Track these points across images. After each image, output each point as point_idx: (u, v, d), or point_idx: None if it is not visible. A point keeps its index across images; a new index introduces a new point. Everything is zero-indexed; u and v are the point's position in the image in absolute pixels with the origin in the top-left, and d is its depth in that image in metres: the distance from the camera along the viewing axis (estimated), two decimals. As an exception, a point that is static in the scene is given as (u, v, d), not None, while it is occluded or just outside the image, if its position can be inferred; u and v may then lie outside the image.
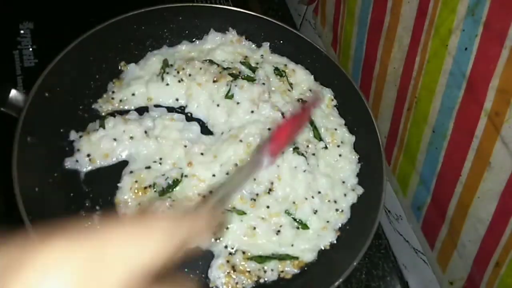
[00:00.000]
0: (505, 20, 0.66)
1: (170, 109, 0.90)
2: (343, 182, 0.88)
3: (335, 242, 0.82)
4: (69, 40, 0.83)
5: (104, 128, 0.81)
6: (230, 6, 1.02)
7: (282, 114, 0.89)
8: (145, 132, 0.83)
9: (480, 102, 0.72)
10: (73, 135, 0.82)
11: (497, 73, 0.69)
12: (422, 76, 0.86)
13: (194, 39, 1.00)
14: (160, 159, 0.82)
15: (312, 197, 0.83)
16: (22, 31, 1.16)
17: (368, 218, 0.80)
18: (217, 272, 0.76)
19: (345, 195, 0.86)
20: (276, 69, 0.97)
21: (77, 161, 0.80)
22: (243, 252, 0.78)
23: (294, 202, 0.82)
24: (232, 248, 0.78)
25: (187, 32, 0.99)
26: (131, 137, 0.82)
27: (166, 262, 0.31)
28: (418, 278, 1.00)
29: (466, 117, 0.77)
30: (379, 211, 0.79)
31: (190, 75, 0.90)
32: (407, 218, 0.99)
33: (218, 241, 0.78)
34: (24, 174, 0.69)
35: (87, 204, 0.78)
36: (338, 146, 0.91)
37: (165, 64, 0.92)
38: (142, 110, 0.89)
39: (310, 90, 0.96)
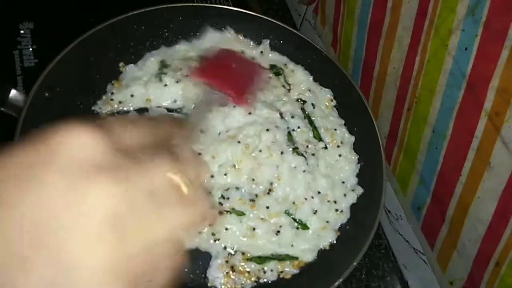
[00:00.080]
0: (505, 20, 0.66)
1: (170, 110, 0.90)
2: (343, 182, 0.88)
3: (335, 242, 0.82)
4: (69, 40, 0.83)
5: None
6: (230, 6, 1.02)
7: (281, 114, 0.89)
8: None
9: (480, 102, 0.72)
10: None
11: (497, 73, 0.69)
12: (422, 76, 0.86)
13: (193, 39, 0.99)
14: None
15: (312, 197, 0.83)
16: (22, 31, 1.16)
17: (368, 218, 0.80)
18: (216, 272, 0.76)
19: (344, 195, 0.86)
20: (274, 66, 0.96)
21: None
22: (243, 253, 0.78)
23: (294, 203, 0.82)
24: (232, 249, 0.78)
25: (186, 32, 0.99)
26: None
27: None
28: (418, 278, 1.00)
29: (466, 117, 0.77)
30: (379, 211, 0.79)
31: (187, 75, 0.89)
32: (407, 218, 0.99)
33: (217, 242, 0.78)
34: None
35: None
36: (338, 146, 0.91)
37: (163, 65, 0.92)
38: (142, 111, 0.89)
39: (310, 90, 0.96)
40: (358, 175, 0.89)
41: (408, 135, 0.94)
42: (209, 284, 0.75)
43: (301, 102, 0.94)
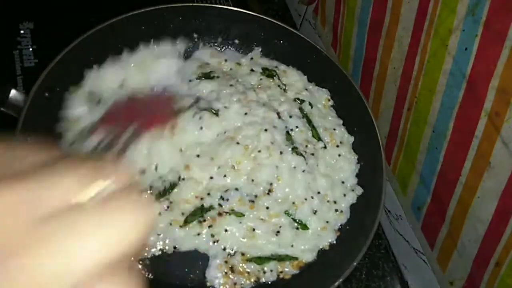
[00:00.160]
0: (505, 20, 0.66)
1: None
2: (343, 182, 0.88)
3: (334, 242, 0.82)
4: (69, 40, 0.83)
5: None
6: (230, 6, 1.02)
7: (278, 114, 0.89)
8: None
9: (480, 102, 0.72)
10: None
11: (497, 73, 0.69)
12: (422, 76, 0.86)
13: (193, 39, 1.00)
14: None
15: (312, 197, 0.83)
16: (22, 31, 1.16)
17: (368, 218, 0.80)
18: (215, 272, 0.76)
19: (344, 195, 0.86)
20: (266, 69, 0.96)
21: None
22: (242, 254, 0.78)
23: (293, 203, 0.82)
24: (231, 250, 0.78)
25: (187, 32, 0.99)
26: None
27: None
28: (418, 278, 1.00)
29: (466, 117, 0.77)
30: (379, 211, 0.79)
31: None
32: (407, 218, 0.99)
33: (216, 243, 0.78)
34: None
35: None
36: (337, 146, 0.91)
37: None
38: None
39: (306, 89, 0.96)
40: (358, 175, 0.89)
41: (408, 135, 0.94)
42: (208, 284, 0.75)
43: (299, 101, 0.94)
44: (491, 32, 0.69)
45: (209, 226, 0.78)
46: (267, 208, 0.81)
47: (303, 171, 0.84)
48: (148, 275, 0.75)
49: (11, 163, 0.25)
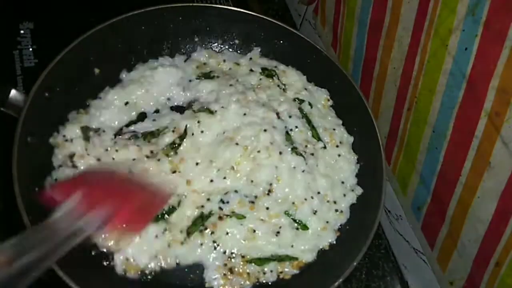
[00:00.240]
0: (505, 20, 0.66)
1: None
2: (342, 182, 0.88)
3: (334, 242, 0.82)
4: (69, 40, 0.83)
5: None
6: (230, 6, 1.02)
7: (277, 114, 0.89)
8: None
9: (480, 102, 0.72)
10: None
11: (497, 73, 0.69)
12: (422, 76, 0.86)
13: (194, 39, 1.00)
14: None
15: (312, 197, 0.83)
16: (22, 31, 1.16)
17: (368, 218, 0.79)
18: (213, 274, 0.75)
19: (344, 195, 0.86)
20: (265, 69, 0.97)
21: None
22: (242, 256, 0.77)
23: (293, 203, 0.82)
24: (232, 253, 0.77)
25: (186, 32, 0.99)
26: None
27: None
28: (418, 278, 1.00)
29: (466, 117, 0.77)
30: (379, 211, 0.79)
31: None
32: (407, 218, 0.99)
33: (216, 249, 0.77)
34: (24, 174, 0.69)
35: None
36: (337, 146, 0.91)
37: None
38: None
39: (306, 89, 0.96)
40: (357, 175, 0.89)
41: (408, 135, 0.94)
42: (206, 285, 0.75)
43: (299, 101, 0.94)
44: (491, 32, 0.69)
45: (211, 233, 0.77)
46: (267, 208, 0.81)
47: (303, 171, 0.84)
48: (148, 275, 0.75)
49: None
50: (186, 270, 0.77)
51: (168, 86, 0.91)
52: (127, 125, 0.86)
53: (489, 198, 0.75)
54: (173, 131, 0.84)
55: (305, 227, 0.81)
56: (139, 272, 0.74)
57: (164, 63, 0.94)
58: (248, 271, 0.77)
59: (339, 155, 0.90)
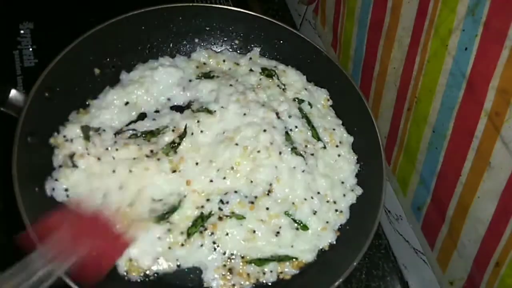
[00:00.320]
0: (505, 20, 0.66)
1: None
2: (342, 182, 0.88)
3: (334, 242, 0.82)
4: (69, 40, 0.83)
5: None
6: (230, 6, 1.02)
7: (277, 114, 0.89)
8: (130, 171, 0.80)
9: (480, 102, 0.72)
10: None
11: (497, 73, 0.69)
12: (422, 76, 0.86)
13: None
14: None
15: (312, 197, 0.83)
16: (22, 31, 1.16)
17: (368, 218, 0.80)
18: (212, 275, 0.75)
19: (344, 195, 0.86)
20: (265, 69, 0.97)
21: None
22: (242, 257, 0.77)
23: (293, 203, 0.82)
24: (231, 254, 0.77)
25: (186, 32, 0.99)
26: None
27: None
28: (418, 278, 1.00)
29: (466, 117, 0.77)
30: (379, 211, 0.79)
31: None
32: (407, 218, 0.99)
33: (215, 250, 0.77)
34: (24, 174, 0.69)
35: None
36: (337, 146, 0.91)
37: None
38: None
39: (306, 89, 0.96)
40: (357, 175, 0.89)
41: (408, 135, 0.94)
42: (205, 285, 0.75)
43: (298, 101, 0.94)
44: (491, 32, 0.69)
45: (211, 234, 0.77)
46: (267, 209, 0.80)
47: (303, 171, 0.84)
48: (150, 276, 0.75)
49: None
50: (186, 270, 0.77)
51: (168, 86, 0.91)
52: (127, 125, 0.86)
53: (489, 198, 0.75)
54: (173, 130, 0.84)
55: (305, 227, 0.81)
56: (141, 274, 0.74)
57: (164, 63, 0.94)
58: (247, 271, 0.77)
59: (339, 155, 0.90)
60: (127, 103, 0.87)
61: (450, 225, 0.85)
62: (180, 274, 0.76)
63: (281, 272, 0.78)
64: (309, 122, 0.92)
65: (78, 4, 1.22)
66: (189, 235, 0.76)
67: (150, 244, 0.74)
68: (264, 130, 0.85)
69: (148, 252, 0.74)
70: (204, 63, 0.97)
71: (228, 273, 0.76)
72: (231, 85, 0.91)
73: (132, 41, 0.94)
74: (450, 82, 0.79)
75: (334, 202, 0.85)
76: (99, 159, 0.79)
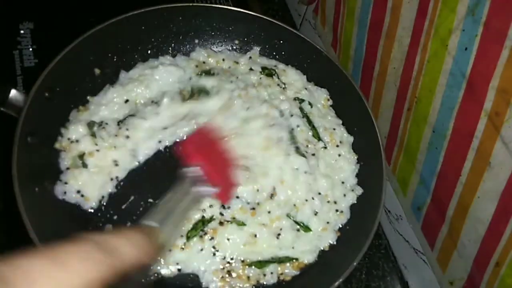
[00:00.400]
0: (505, 20, 0.66)
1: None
2: (343, 182, 0.87)
3: (335, 243, 0.82)
4: (69, 40, 0.83)
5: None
6: (230, 6, 1.02)
7: (280, 111, 0.89)
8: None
9: (480, 102, 0.72)
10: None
11: (497, 73, 0.69)
12: (422, 76, 0.86)
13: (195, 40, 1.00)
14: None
15: (313, 198, 0.82)
16: (22, 31, 1.16)
17: (368, 218, 0.79)
18: (210, 277, 0.75)
19: (344, 195, 0.86)
20: (265, 68, 0.97)
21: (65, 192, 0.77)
22: (242, 260, 0.77)
23: (294, 205, 0.82)
24: (231, 258, 0.77)
25: (186, 32, 0.99)
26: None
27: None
28: (418, 278, 1.00)
29: (466, 117, 0.77)
30: (379, 211, 0.79)
31: None
32: (407, 218, 0.99)
33: (215, 254, 0.76)
34: (24, 174, 0.69)
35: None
36: (337, 146, 0.91)
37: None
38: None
39: (306, 89, 0.96)
40: (358, 175, 0.89)
41: (408, 135, 0.94)
42: (203, 285, 0.75)
43: (299, 101, 0.94)
44: (491, 32, 0.69)
45: (211, 238, 0.77)
46: (269, 212, 0.80)
47: (305, 172, 0.83)
48: (151, 276, 0.75)
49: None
50: (186, 270, 0.77)
51: (169, 84, 0.91)
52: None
53: (489, 198, 0.75)
54: None
55: (307, 229, 0.81)
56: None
57: (165, 62, 0.94)
58: (248, 274, 0.76)
59: (339, 155, 0.90)
60: (127, 100, 0.87)
61: (450, 225, 0.85)
62: (180, 274, 0.76)
63: (281, 274, 0.78)
64: (309, 121, 0.92)
65: (78, 4, 1.22)
66: (188, 238, 0.76)
67: None
68: (270, 126, 0.85)
69: None
70: (204, 62, 0.97)
71: (227, 275, 0.76)
72: (231, 81, 0.91)
73: (132, 41, 0.94)
74: (450, 82, 0.79)
75: (335, 202, 0.85)
76: (115, 147, 0.80)
